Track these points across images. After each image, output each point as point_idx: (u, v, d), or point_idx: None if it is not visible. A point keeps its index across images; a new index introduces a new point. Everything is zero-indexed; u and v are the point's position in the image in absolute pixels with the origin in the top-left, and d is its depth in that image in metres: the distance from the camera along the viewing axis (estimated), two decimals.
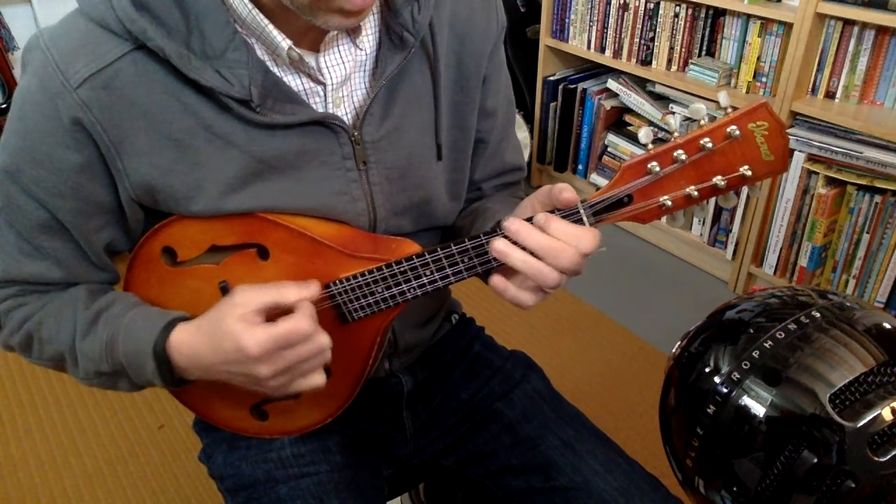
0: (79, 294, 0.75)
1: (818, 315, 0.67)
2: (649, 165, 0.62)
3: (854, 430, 0.60)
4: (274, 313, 0.67)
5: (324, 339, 0.68)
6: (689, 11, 2.15)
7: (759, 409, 0.64)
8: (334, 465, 0.86)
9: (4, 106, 2.32)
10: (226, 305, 0.67)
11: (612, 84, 2.48)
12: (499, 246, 0.65)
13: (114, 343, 0.71)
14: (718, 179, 0.61)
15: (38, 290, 0.76)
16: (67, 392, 1.88)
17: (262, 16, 0.65)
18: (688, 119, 2.15)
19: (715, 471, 0.68)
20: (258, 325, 0.65)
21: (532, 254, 0.64)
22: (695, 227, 2.35)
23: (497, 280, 0.67)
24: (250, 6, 0.65)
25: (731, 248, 2.23)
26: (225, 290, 0.74)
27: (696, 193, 0.62)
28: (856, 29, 1.81)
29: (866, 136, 1.81)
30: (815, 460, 0.61)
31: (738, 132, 0.59)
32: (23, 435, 1.77)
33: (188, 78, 0.64)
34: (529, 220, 0.65)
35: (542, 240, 0.63)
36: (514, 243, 0.65)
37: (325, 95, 0.72)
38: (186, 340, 0.69)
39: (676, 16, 2.18)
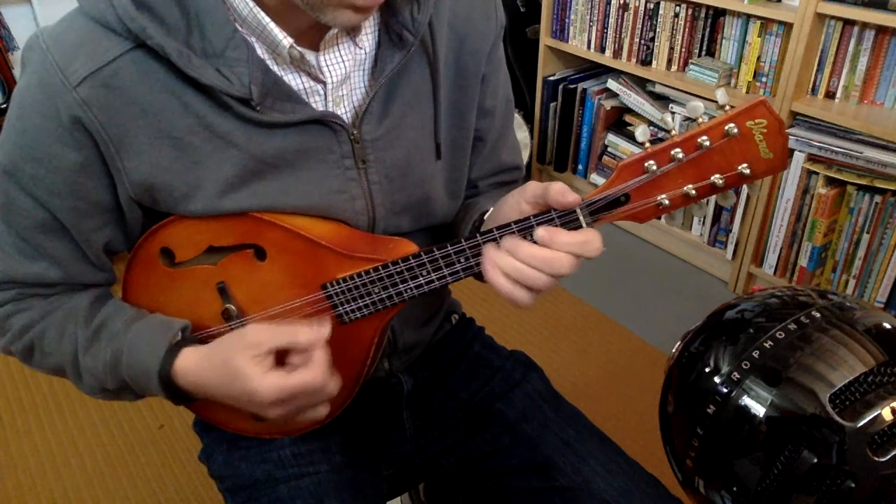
0: (80, 305, 0.75)
1: (818, 315, 0.67)
2: (646, 164, 0.61)
3: (854, 430, 0.60)
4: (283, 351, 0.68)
5: (333, 387, 0.68)
6: (689, 11, 2.15)
7: (759, 409, 0.64)
8: (334, 465, 0.86)
9: (4, 106, 2.32)
10: (236, 343, 0.67)
11: (612, 84, 2.48)
12: (489, 255, 0.65)
13: (117, 363, 0.72)
14: (717, 178, 0.61)
15: (39, 292, 0.76)
16: (67, 392, 1.88)
17: (262, 13, 0.65)
18: (688, 119, 2.15)
19: (715, 471, 0.68)
20: (270, 369, 0.66)
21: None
22: (695, 227, 2.35)
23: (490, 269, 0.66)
24: (251, 4, 0.65)
25: (731, 248, 2.23)
26: (223, 290, 0.74)
27: (693, 192, 0.62)
28: (856, 29, 1.81)
29: (866, 136, 1.81)
30: (815, 460, 0.61)
31: (736, 130, 0.59)
32: (23, 435, 1.77)
33: (188, 76, 0.64)
34: (521, 220, 0.65)
35: (541, 253, 0.63)
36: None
37: (325, 94, 0.72)
38: (192, 369, 0.70)
39: (676, 16, 2.18)
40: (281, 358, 0.68)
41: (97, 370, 0.73)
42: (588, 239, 0.63)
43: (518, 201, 0.67)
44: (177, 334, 0.72)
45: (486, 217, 0.76)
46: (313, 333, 0.67)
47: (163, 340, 0.71)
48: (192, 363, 0.70)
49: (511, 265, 0.63)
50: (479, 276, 0.70)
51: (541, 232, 0.63)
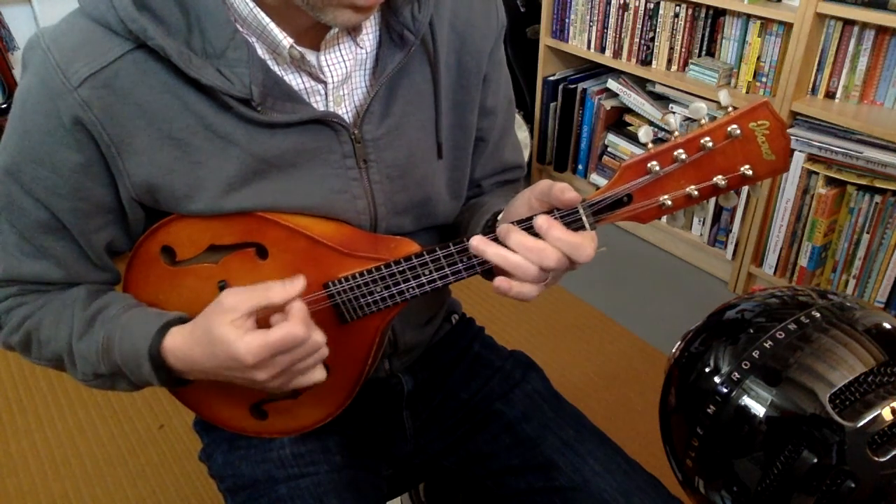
0: (78, 294, 0.75)
1: (818, 315, 0.67)
2: (649, 165, 0.61)
3: (854, 430, 0.60)
4: (265, 313, 0.67)
5: (318, 338, 0.67)
6: (689, 11, 2.15)
7: (759, 409, 0.64)
8: (334, 465, 0.86)
9: (5, 106, 2.32)
10: (215, 311, 0.67)
11: (612, 84, 2.48)
12: (473, 243, 0.65)
13: (110, 345, 0.71)
14: (719, 179, 0.61)
15: (40, 289, 0.76)
16: (67, 392, 1.88)
17: (263, 14, 0.65)
18: (688, 119, 2.15)
19: (715, 471, 0.68)
20: (250, 331, 0.65)
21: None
22: (695, 227, 2.35)
23: (500, 281, 0.65)
24: (251, 4, 0.65)
25: (731, 248, 2.23)
26: (224, 289, 0.74)
27: (696, 193, 0.62)
28: (856, 29, 1.81)
29: (866, 136, 1.81)
30: (815, 460, 0.61)
31: (738, 131, 0.59)
32: (23, 435, 1.77)
33: (189, 77, 0.64)
34: (524, 220, 0.65)
35: (529, 242, 0.63)
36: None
37: (325, 94, 0.72)
38: (180, 345, 0.69)
39: (676, 16, 2.18)
40: (266, 325, 0.68)
41: (90, 354, 0.72)
42: (581, 243, 0.63)
43: (528, 198, 0.68)
44: (171, 320, 0.71)
45: (499, 218, 0.76)
46: (287, 288, 0.67)
47: (155, 323, 0.70)
48: (179, 340, 0.69)
49: (496, 249, 0.64)
50: (484, 274, 0.70)
51: (540, 220, 0.63)
